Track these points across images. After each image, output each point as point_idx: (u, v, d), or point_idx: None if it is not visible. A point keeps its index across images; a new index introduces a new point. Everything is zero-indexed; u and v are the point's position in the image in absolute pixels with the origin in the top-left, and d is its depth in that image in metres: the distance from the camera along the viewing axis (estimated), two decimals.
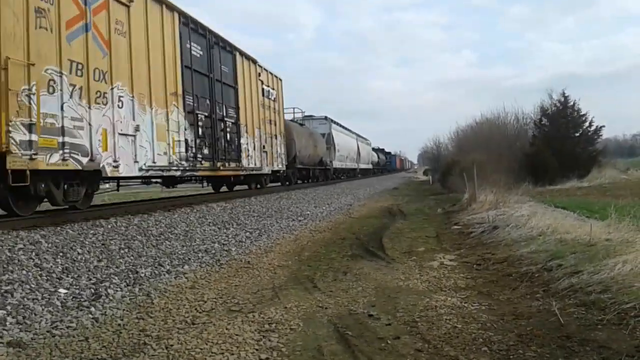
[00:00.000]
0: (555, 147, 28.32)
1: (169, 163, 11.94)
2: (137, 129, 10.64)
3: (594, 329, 4.37)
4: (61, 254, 6.74)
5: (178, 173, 12.61)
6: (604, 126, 31.48)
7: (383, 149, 76.36)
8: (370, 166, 55.72)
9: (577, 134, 30.45)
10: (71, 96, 8.77)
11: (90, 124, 9.20)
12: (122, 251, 7.53)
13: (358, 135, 49.23)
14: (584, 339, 4.15)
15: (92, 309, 5.34)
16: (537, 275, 6.43)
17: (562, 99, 30.51)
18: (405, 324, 4.95)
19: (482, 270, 7.35)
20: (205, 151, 14.01)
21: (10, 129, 7.51)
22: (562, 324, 4.55)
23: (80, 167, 8.93)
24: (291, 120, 29.13)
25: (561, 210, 13.04)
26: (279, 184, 23.90)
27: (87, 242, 7.49)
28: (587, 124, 30.50)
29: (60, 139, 8.46)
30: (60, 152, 8.47)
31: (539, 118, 31.77)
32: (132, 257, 7.37)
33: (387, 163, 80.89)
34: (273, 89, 21.11)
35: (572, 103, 30.45)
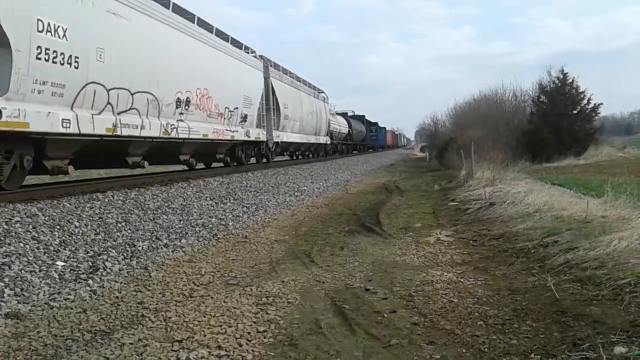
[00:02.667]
0: (552, 124, 28.30)
1: None
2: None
3: (589, 304, 4.41)
4: (58, 227, 6.74)
5: None
6: (602, 104, 31.50)
7: (363, 117, 55.32)
8: (326, 140, 32.33)
9: (575, 112, 30.41)
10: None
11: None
12: (119, 224, 7.53)
13: (306, 85, 28.44)
14: (578, 314, 4.18)
15: (90, 281, 5.37)
16: (533, 251, 6.46)
17: (561, 76, 30.41)
18: (402, 298, 4.99)
19: (478, 246, 7.38)
20: None
21: None
22: (558, 299, 4.59)
23: None
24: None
25: (558, 187, 13.09)
26: None
27: (84, 216, 7.49)
28: (585, 101, 30.47)
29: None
30: None
31: (537, 95, 31.68)
32: (129, 231, 7.37)
33: (371, 137, 61.56)
34: None
35: (570, 80, 30.35)
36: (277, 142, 21.02)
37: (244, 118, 16.83)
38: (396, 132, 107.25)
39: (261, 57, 20.00)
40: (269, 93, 20.04)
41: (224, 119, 15.23)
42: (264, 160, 20.57)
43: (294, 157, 28.43)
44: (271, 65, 20.92)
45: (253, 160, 19.55)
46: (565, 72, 30.38)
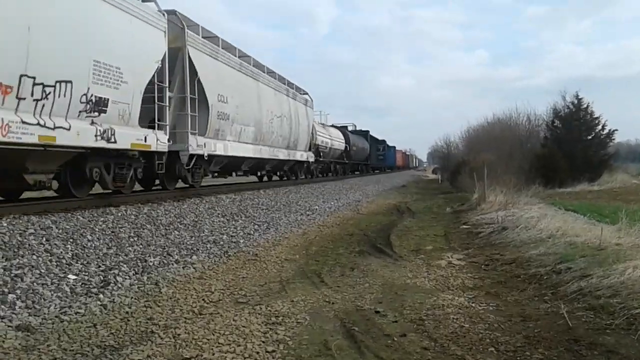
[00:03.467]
0: (566, 149, 28.13)
1: None
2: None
3: (603, 333, 4.35)
4: (71, 240, 6.79)
5: None
6: (616, 130, 31.28)
7: (367, 132, 48.16)
8: (307, 156, 24.46)
9: (590, 137, 30.21)
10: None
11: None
12: (131, 239, 7.57)
13: (274, 77, 20.03)
14: (592, 343, 4.13)
15: (101, 295, 5.38)
16: (545, 278, 6.40)
17: (575, 101, 30.28)
18: (412, 321, 4.95)
19: (490, 270, 7.32)
20: None
21: None
22: (570, 327, 4.53)
23: None
24: None
25: (571, 213, 12.97)
26: None
27: (97, 230, 7.53)
28: (599, 127, 30.26)
29: None
30: None
31: (551, 119, 31.54)
32: (141, 246, 7.40)
33: (377, 157, 55.21)
34: None
35: (585, 105, 30.22)
36: (203, 155, 12.73)
37: (98, 105, 8.85)
38: (407, 153, 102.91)
39: (170, 13, 11.67)
40: (185, 72, 12.01)
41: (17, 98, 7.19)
42: (179, 183, 13.24)
43: (264, 179, 22.29)
44: (190, 28, 12.58)
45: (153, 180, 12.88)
46: (580, 97, 30.27)
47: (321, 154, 27.83)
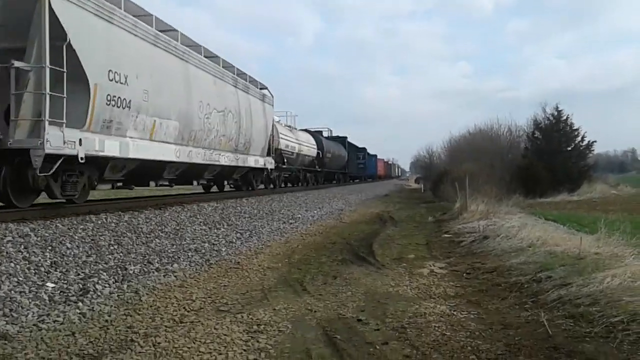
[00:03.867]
0: (547, 160, 28.55)
1: None
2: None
3: (582, 341, 4.39)
4: (50, 247, 6.69)
5: None
6: (595, 141, 31.86)
7: (344, 139, 43.91)
8: (264, 162, 19.77)
9: (569, 148, 30.75)
10: None
11: None
12: (111, 247, 7.48)
13: (212, 59, 15.20)
14: (571, 351, 4.16)
15: (80, 304, 5.30)
16: (526, 286, 6.45)
17: (556, 113, 30.79)
18: (394, 329, 4.95)
19: (471, 279, 7.36)
20: None
21: None
22: (550, 335, 4.57)
23: None
24: None
25: (551, 222, 13.12)
26: None
27: (76, 237, 7.44)
28: (579, 138, 30.83)
29: None
30: None
31: (532, 131, 32.03)
32: (121, 254, 7.32)
33: (357, 165, 52.72)
34: None
35: (565, 117, 30.75)
36: (78, 157, 8.75)
37: None
38: (390, 162, 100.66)
39: None
40: (42, 31, 8.03)
41: None
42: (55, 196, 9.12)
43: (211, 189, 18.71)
44: None
45: None
46: (560, 109, 30.86)
47: (285, 160, 23.76)
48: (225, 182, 19.47)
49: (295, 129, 28.82)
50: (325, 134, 38.80)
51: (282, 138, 23.50)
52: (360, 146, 55.11)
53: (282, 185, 25.17)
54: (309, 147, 29.18)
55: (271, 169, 20.62)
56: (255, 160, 18.54)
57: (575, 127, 30.79)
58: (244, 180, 19.02)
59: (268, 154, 20.04)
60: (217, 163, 14.83)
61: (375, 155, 67.30)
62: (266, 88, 20.35)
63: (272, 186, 22.16)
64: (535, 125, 31.78)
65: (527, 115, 59.93)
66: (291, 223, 13.69)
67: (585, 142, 30.89)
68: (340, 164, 40.79)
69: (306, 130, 31.64)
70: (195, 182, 16.58)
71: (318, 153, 30.98)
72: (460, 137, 44.34)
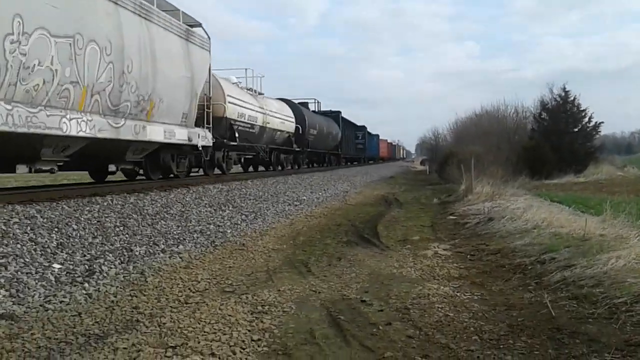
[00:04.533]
0: (553, 141, 28.40)
1: None
2: None
3: (585, 322, 4.40)
4: (56, 229, 6.73)
5: None
6: (602, 122, 31.64)
7: (338, 113, 37.22)
8: (195, 136, 13.31)
9: (576, 129, 30.54)
10: None
11: None
12: (117, 229, 7.53)
13: None
14: (574, 332, 4.18)
15: (86, 284, 5.35)
16: (530, 268, 6.45)
17: (563, 94, 30.55)
18: (398, 310, 4.98)
19: (475, 260, 7.37)
20: None
21: None
22: (553, 316, 4.58)
23: None
24: None
25: (557, 204, 13.09)
26: None
27: (82, 219, 7.48)
28: (586, 119, 30.62)
29: None
30: None
31: (539, 112, 31.80)
32: (127, 235, 7.37)
33: (355, 146, 46.61)
34: None
35: (572, 98, 30.52)
36: None
37: None
38: (394, 143, 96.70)
39: None
40: None
41: None
42: None
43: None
44: None
45: None
46: (567, 90, 30.57)
47: (237, 135, 16.92)
48: (116, 168, 12.24)
49: (262, 94, 21.36)
50: (312, 107, 32.49)
51: (233, 103, 16.73)
52: (358, 124, 49.57)
53: (240, 169, 20.73)
54: (282, 120, 22.71)
55: (208, 146, 14.28)
56: (169, 132, 11.85)
57: (582, 108, 30.59)
58: (152, 164, 12.59)
59: (201, 124, 13.95)
60: (54, 132, 8.18)
61: (377, 135, 63.83)
62: (200, 25, 13.98)
63: (217, 171, 16.86)
64: (542, 106, 31.55)
65: (534, 96, 59.53)
66: (296, 205, 13.72)
67: (592, 123, 30.71)
68: (331, 144, 34.11)
69: (282, 100, 25.14)
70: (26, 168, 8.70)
71: (297, 128, 24.73)
72: (467, 118, 44.18)
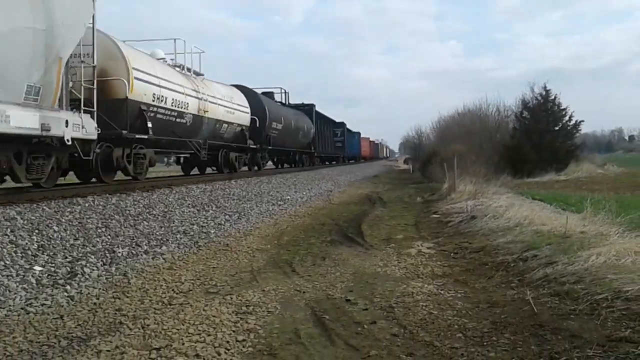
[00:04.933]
0: (534, 140, 28.67)
1: None
2: None
3: (567, 318, 4.45)
4: (37, 231, 6.65)
5: None
6: (583, 121, 31.95)
7: (312, 107, 33.50)
8: (54, 127, 8.15)
9: (557, 128, 30.83)
10: None
11: None
12: (99, 230, 7.45)
13: None
14: (556, 328, 4.22)
15: (68, 287, 5.29)
16: (512, 265, 6.51)
17: (544, 93, 30.82)
18: (382, 309, 4.99)
19: (459, 258, 7.42)
20: None
21: None
22: (536, 313, 4.63)
23: None
24: None
25: (538, 202, 13.20)
26: None
27: (63, 220, 7.39)
28: (566, 118, 30.90)
29: None
30: None
31: (520, 111, 32.07)
32: (109, 237, 7.30)
33: (333, 143, 43.09)
34: None
35: (553, 97, 30.80)
36: None
37: None
38: (376, 142, 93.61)
39: None
40: None
41: None
42: None
43: None
44: None
45: None
46: (547, 88, 30.84)
47: (150, 125, 12.30)
48: None
49: (201, 75, 17.02)
50: (279, 98, 28.41)
51: (145, 80, 12.17)
52: (337, 120, 45.82)
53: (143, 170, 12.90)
54: (231, 109, 17.98)
55: (86, 140, 9.48)
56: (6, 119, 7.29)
57: (563, 107, 30.88)
58: None
59: (77, 107, 9.35)
60: None
61: (359, 133, 61.15)
62: None
63: (94, 175, 11.30)
64: (524, 105, 31.81)
65: (516, 95, 60.09)
66: (280, 205, 13.70)
67: (572, 122, 31.00)
68: (303, 141, 29.91)
69: (236, 86, 20.72)
70: None
71: (254, 121, 20.23)
72: (449, 117, 44.38)
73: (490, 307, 4.98)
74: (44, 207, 7.80)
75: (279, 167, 28.58)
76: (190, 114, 14.52)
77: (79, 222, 7.52)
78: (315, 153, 34.03)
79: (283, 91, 29.54)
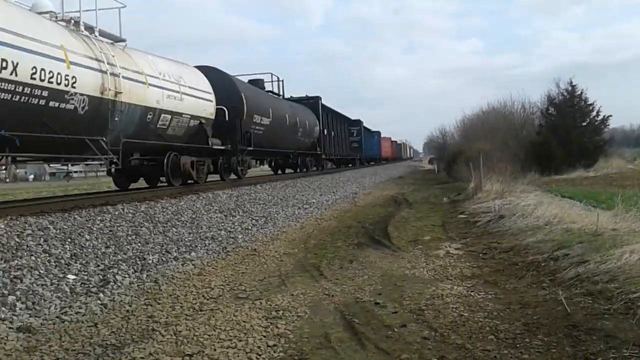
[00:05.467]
0: (561, 136, 28.21)
1: None
2: None
3: (601, 318, 4.37)
4: (69, 240, 6.78)
5: None
6: (610, 116, 31.27)
7: (317, 100, 27.89)
8: None
9: (584, 124, 30.27)
10: None
11: None
12: (129, 238, 7.57)
13: None
14: (590, 328, 4.16)
15: (101, 295, 5.39)
16: (543, 265, 6.43)
17: (570, 88, 30.30)
18: (412, 312, 4.97)
19: (488, 259, 7.35)
20: None
21: None
22: (569, 313, 4.56)
23: None
24: None
25: (567, 199, 13.00)
26: None
27: (94, 229, 7.53)
28: (594, 113, 30.31)
29: None
30: None
31: (546, 107, 31.58)
32: (139, 244, 7.41)
33: (349, 144, 39.05)
34: None
35: (579, 92, 30.24)
36: None
37: None
38: (399, 142, 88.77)
39: None
40: None
41: None
42: None
43: None
44: None
45: None
46: (573, 84, 30.30)
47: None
48: None
49: (121, 41, 11.54)
50: (268, 86, 21.85)
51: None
52: (352, 118, 41.39)
53: None
54: (176, 93, 12.46)
55: None
56: None
57: (589, 102, 30.30)
58: None
59: None
60: None
61: (378, 132, 56.80)
62: None
63: None
64: (549, 101, 31.30)
65: (541, 91, 59.18)
66: (306, 208, 13.74)
67: (600, 117, 30.37)
68: (304, 141, 24.27)
69: (201, 67, 15.52)
70: None
71: (223, 113, 15.00)
72: (474, 115, 43.91)
73: (522, 308, 4.92)
74: (76, 216, 7.95)
75: (279, 172, 24.89)
76: (85, 95, 9.28)
77: (110, 231, 7.65)
78: (323, 155, 28.52)
79: (276, 79, 22.61)
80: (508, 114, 35.35)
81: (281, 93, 23.35)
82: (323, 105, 28.48)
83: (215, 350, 4.05)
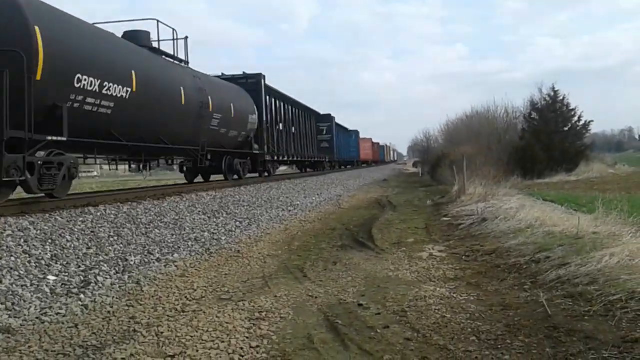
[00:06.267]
0: (543, 140, 28.51)
1: None
2: None
3: (581, 319, 4.42)
4: (50, 240, 6.70)
5: None
6: (592, 121, 31.76)
7: (259, 77, 19.09)
8: None
9: (566, 128, 30.65)
10: None
11: None
12: (111, 239, 7.50)
13: None
14: (570, 330, 4.20)
15: (82, 295, 5.33)
16: (524, 267, 6.48)
17: (552, 93, 30.67)
18: (395, 313, 4.99)
19: (470, 261, 7.40)
20: None
21: None
22: (550, 315, 4.60)
23: None
24: None
25: (549, 203, 13.15)
26: None
27: (75, 229, 7.44)
28: (575, 118, 30.72)
29: None
30: None
31: (529, 112, 31.93)
32: (121, 245, 7.34)
33: (317, 144, 32.79)
34: None
35: (561, 97, 30.63)
36: None
37: None
38: (381, 144, 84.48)
39: None
40: None
41: None
42: None
43: None
44: None
45: None
46: (556, 89, 30.68)
47: None
48: None
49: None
50: (169, 49, 13.40)
51: None
52: (321, 112, 35.15)
53: None
54: None
55: None
56: None
57: (571, 107, 30.69)
58: None
59: None
60: None
61: (356, 132, 51.38)
62: None
63: None
64: (532, 106, 31.65)
65: (524, 96, 59.81)
66: (290, 210, 13.72)
67: (581, 122, 30.79)
68: (229, 135, 16.11)
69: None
70: None
71: None
72: (457, 119, 44.21)
73: (504, 309, 4.96)
74: (57, 217, 7.85)
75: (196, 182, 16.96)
76: None
77: (91, 231, 7.57)
78: (266, 155, 20.33)
79: (175, 35, 13.65)
80: (491, 119, 35.64)
81: (186, 59, 14.12)
82: (269, 88, 20.56)
83: (197, 351, 4.03)
